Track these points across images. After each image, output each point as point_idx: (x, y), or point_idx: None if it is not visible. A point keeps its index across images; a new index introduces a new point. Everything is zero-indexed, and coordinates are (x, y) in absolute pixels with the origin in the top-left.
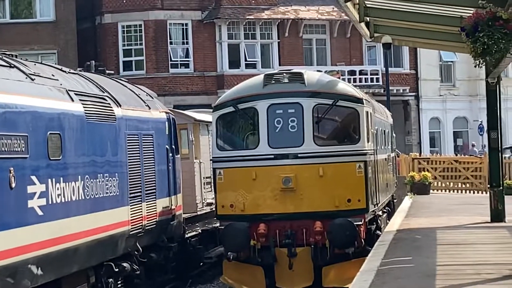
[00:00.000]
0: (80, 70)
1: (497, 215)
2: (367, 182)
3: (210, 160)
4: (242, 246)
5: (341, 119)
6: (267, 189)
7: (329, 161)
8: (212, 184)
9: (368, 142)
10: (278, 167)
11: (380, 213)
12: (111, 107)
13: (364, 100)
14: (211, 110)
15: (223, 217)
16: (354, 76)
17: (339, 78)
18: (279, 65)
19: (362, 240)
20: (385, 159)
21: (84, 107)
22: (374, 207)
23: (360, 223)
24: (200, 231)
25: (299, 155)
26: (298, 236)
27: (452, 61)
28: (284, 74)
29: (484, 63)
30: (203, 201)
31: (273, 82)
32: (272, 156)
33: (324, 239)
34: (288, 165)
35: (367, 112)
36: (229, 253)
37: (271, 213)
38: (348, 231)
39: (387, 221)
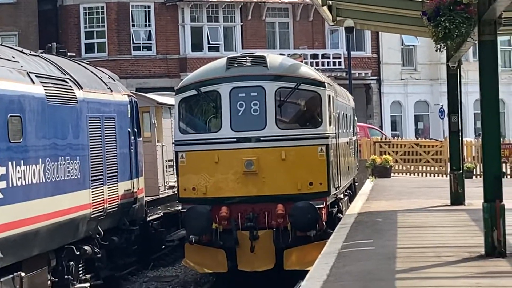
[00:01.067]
0: (41, 52)
1: (457, 198)
2: (328, 165)
3: (173, 143)
4: (204, 229)
5: (304, 103)
6: (230, 172)
7: (291, 144)
8: (174, 167)
9: (330, 125)
10: (240, 150)
11: (342, 196)
12: (72, 90)
13: (326, 84)
14: (174, 93)
15: (185, 200)
16: (317, 60)
17: (301, 61)
18: (242, 48)
19: (324, 223)
20: (347, 142)
21: (45, 89)
22: (336, 190)
23: (322, 206)
24: (162, 214)
25: (261, 138)
26: (260, 219)
27: (413, 45)
28: (247, 58)
29: (445, 47)
30: (165, 184)
31: (236, 65)
32: (235, 140)
33: (286, 222)
34: (251, 149)
35: (329, 96)
36: (191, 236)
37: (233, 196)
38: (310, 214)
39: (349, 204)
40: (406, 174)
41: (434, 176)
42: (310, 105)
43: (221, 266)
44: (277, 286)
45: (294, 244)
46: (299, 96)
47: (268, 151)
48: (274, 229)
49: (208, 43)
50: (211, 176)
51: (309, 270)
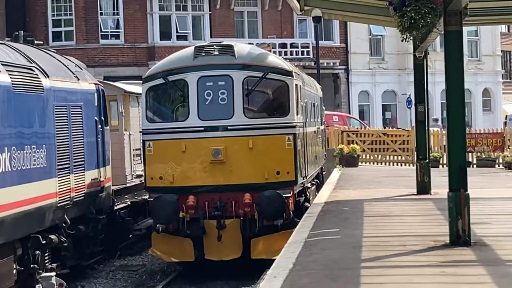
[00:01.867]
0: (8, 40)
1: (423, 187)
2: (296, 154)
3: (140, 132)
4: (171, 218)
5: (271, 92)
6: (197, 161)
7: (258, 133)
8: (142, 156)
9: (297, 114)
10: (207, 139)
11: (309, 185)
12: (39, 78)
13: (293, 73)
14: (142, 81)
15: (152, 189)
16: (285, 49)
17: (270, 51)
18: (211, 37)
19: (291, 212)
20: (315, 131)
21: (11, 77)
22: (303, 179)
23: (289, 195)
24: (129, 203)
25: (229, 127)
26: (227, 208)
27: (381, 35)
28: (215, 47)
29: (411, 38)
30: (133, 173)
31: (204, 54)
32: (202, 129)
33: (253, 211)
34: (218, 138)
35: (296, 85)
36: (158, 225)
37: (200, 185)
38: (277, 203)
39: (316, 193)
40: (373, 163)
41: (401, 165)
42: (277, 95)
43: (188, 255)
44: (244, 275)
45: (261, 233)
46: (267, 85)
47: (236, 140)
48: (241, 218)
49: (177, 31)
50: (178, 165)
51: (275, 260)
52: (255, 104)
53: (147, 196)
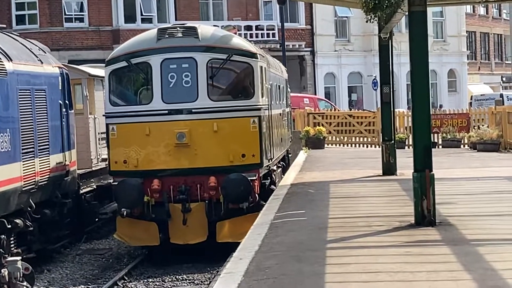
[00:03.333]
0: None
1: (389, 168)
2: (261, 137)
3: (103, 115)
4: (135, 202)
5: (236, 74)
6: (161, 144)
7: (223, 116)
8: (106, 140)
9: (262, 97)
10: (172, 122)
11: (275, 168)
12: (1, 62)
13: (258, 55)
14: (105, 64)
15: (117, 173)
16: (251, 32)
17: (235, 33)
18: (176, 20)
19: (256, 195)
20: (280, 114)
21: None
22: (269, 162)
23: (254, 178)
24: (95, 186)
25: (193, 110)
26: (192, 191)
27: (347, 17)
28: (178, 29)
29: (376, 19)
30: (98, 157)
31: (167, 36)
32: (166, 112)
33: (219, 194)
34: (182, 121)
35: (261, 67)
36: (122, 209)
37: (165, 169)
38: (242, 186)
39: (282, 175)
40: (340, 145)
41: (367, 147)
42: (242, 77)
43: (153, 239)
44: (210, 258)
45: (227, 217)
46: (231, 67)
47: (200, 123)
48: (207, 201)
49: (141, 14)
50: (143, 149)
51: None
52: (220, 87)
53: (112, 180)
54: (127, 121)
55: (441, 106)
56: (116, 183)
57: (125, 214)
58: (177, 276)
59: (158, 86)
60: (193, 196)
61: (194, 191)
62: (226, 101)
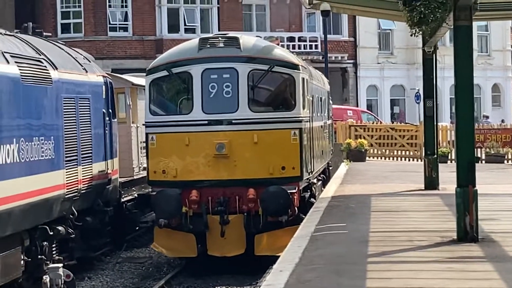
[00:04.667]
0: (16, 32)
1: (431, 182)
2: (301, 149)
3: (143, 124)
4: (173, 212)
5: (277, 85)
6: (200, 155)
7: (263, 127)
8: (145, 150)
9: (303, 109)
10: (211, 133)
11: (315, 180)
12: (47, 70)
13: (300, 66)
14: (145, 74)
15: (155, 183)
16: (293, 43)
17: (278, 44)
18: (219, 30)
19: (296, 208)
20: (321, 126)
21: (20, 69)
22: (309, 174)
23: (294, 191)
24: (136, 195)
25: (233, 121)
26: (231, 203)
27: (390, 29)
28: (220, 39)
29: (420, 32)
30: (140, 165)
31: (208, 46)
32: (206, 122)
33: (257, 206)
34: (222, 131)
35: (303, 79)
36: (160, 219)
37: (203, 180)
38: (282, 199)
39: (322, 188)
40: (381, 158)
41: (409, 160)
42: (283, 88)
43: (190, 250)
44: (247, 271)
45: (265, 229)
46: (273, 78)
47: (240, 134)
48: (245, 213)
49: (185, 24)
50: (182, 159)
51: (279, 256)
52: (261, 98)
53: (151, 190)
54: (167, 131)
55: (487, 117)
56: (154, 193)
57: (162, 224)
58: (216, 287)
59: (198, 96)
60: (231, 208)
61: (233, 203)
62: (267, 112)
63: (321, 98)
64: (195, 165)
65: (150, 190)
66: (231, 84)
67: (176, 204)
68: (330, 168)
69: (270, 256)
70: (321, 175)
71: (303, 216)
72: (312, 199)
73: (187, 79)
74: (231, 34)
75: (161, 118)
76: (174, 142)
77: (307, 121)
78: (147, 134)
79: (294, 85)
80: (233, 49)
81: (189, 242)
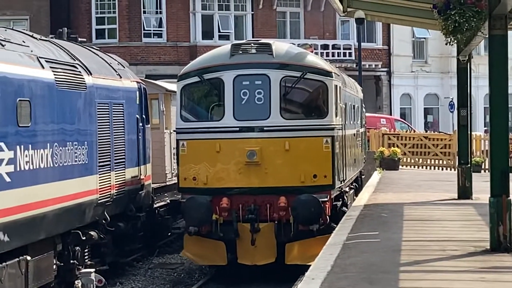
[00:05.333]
0: (51, 37)
1: (464, 192)
2: (334, 157)
3: (173, 131)
4: (204, 220)
5: (309, 92)
6: (231, 162)
7: (295, 135)
8: (175, 156)
9: (336, 116)
10: (243, 140)
11: (347, 189)
12: (81, 75)
13: (333, 74)
14: (177, 79)
15: (185, 190)
16: (327, 50)
17: (312, 52)
18: (253, 37)
19: (327, 217)
20: (354, 134)
21: (54, 74)
22: (341, 183)
23: (326, 199)
24: (168, 201)
25: (265, 128)
26: (261, 211)
27: (425, 38)
28: (252, 45)
29: (455, 41)
30: (172, 171)
31: (241, 52)
32: (237, 129)
33: (288, 215)
34: (253, 138)
35: (336, 86)
36: (190, 227)
37: (234, 187)
38: (313, 208)
39: (354, 197)
40: (414, 167)
41: (442, 169)
42: (316, 95)
43: (220, 258)
44: (277, 280)
45: (296, 238)
46: (305, 85)
47: (272, 142)
48: (276, 222)
49: (219, 31)
50: (212, 166)
51: (310, 265)
52: (293, 105)
53: (181, 197)
54: (198, 137)
55: None
56: (184, 200)
57: (193, 232)
58: None
59: (230, 102)
60: (262, 216)
61: (264, 211)
62: (299, 119)
63: (354, 105)
64: (226, 172)
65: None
66: (263, 91)
67: (207, 212)
68: (363, 176)
69: (300, 265)
70: (354, 184)
71: (335, 225)
72: (344, 208)
73: (219, 85)
74: (264, 40)
75: (192, 125)
76: (205, 148)
77: (339, 129)
78: (177, 140)
79: (326, 92)
80: (266, 56)
81: (219, 250)
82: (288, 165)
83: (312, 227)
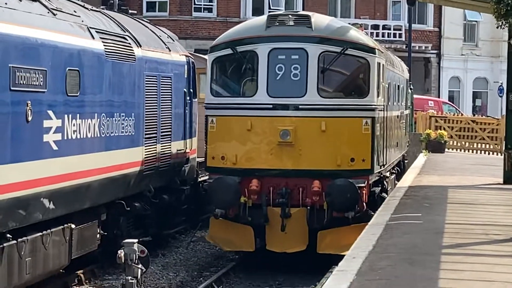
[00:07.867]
0: (102, 8)
1: (510, 177)
2: (373, 140)
3: (203, 105)
4: (231, 202)
5: (350, 70)
6: (263, 142)
7: (333, 115)
8: (204, 133)
9: (378, 96)
10: (276, 118)
11: (388, 174)
12: (131, 47)
13: (376, 50)
14: (208, 51)
15: (213, 170)
16: (377, 31)
17: (362, 31)
18: None
19: (364, 204)
20: (398, 116)
21: (104, 45)
22: (380, 168)
23: (363, 185)
24: None
25: (300, 106)
26: (293, 195)
27: (476, 21)
28: (290, 16)
29: (507, 25)
30: None
31: (277, 24)
32: (271, 106)
33: (322, 200)
34: (288, 117)
35: (379, 64)
36: (216, 209)
37: (265, 169)
38: (349, 194)
39: (396, 182)
40: (460, 150)
41: (489, 154)
42: (357, 73)
43: (248, 244)
44: (308, 270)
45: (330, 225)
46: (346, 62)
47: (307, 121)
48: (309, 207)
49: (269, 7)
50: (243, 145)
51: (344, 255)
52: (331, 82)
53: (207, 177)
54: (228, 114)
55: None
56: (211, 181)
57: (219, 215)
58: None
59: (263, 77)
60: (294, 200)
61: (296, 195)
62: (337, 98)
63: (398, 86)
64: (256, 152)
65: None
66: (300, 66)
67: (235, 194)
68: (406, 161)
69: (333, 255)
70: (395, 168)
71: (372, 213)
72: (383, 194)
73: (253, 58)
74: (302, 12)
75: (223, 100)
76: (235, 126)
77: (381, 110)
78: (206, 116)
79: (368, 70)
80: (304, 28)
81: (247, 236)
82: (324, 147)
83: (348, 214)
